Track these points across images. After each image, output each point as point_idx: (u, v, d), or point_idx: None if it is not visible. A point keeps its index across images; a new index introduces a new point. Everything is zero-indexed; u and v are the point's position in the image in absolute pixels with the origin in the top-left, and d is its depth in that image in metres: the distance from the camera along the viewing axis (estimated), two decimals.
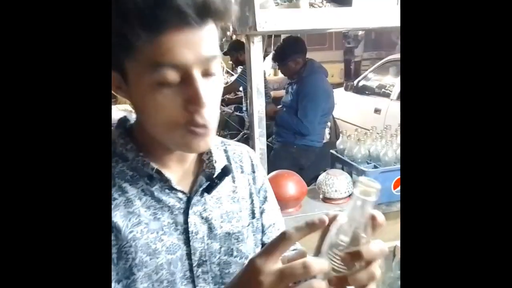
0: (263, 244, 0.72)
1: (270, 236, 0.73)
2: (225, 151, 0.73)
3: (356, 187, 0.45)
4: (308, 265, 0.43)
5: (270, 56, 9.47)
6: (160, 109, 0.53)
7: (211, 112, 0.55)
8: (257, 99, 1.56)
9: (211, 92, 0.55)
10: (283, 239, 0.45)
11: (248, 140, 3.21)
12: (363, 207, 0.44)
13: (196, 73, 0.53)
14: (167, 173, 0.60)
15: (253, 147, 1.56)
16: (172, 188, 0.61)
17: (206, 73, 0.54)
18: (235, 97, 4.18)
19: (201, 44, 0.52)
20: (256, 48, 1.51)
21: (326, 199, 1.84)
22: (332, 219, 0.49)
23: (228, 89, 3.64)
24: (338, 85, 7.51)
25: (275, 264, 0.44)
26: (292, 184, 1.69)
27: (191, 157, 0.65)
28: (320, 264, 0.44)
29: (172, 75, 0.52)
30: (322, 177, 1.86)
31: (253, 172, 0.74)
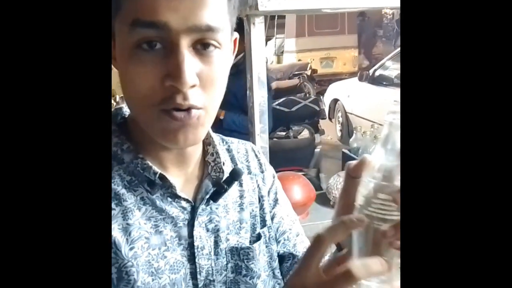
0: (280, 256, 0.70)
1: (287, 245, 0.70)
2: (228, 150, 0.70)
3: (388, 113, 0.45)
4: (356, 271, 0.43)
5: (272, 41, 9.47)
6: (135, 78, 0.50)
7: (201, 95, 0.52)
8: (259, 90, 1.56)
9: (205, 70, 0.51)
10: (316, 245, 0.45)
11: None
12: (398, 131, 0.44)
13: (183, 43, 0.49)
14: (170, 178, 0.58)
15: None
16: (175, 196, 0.59)
17: (201, 45, 0.51)
18: None
19: (195, 8, 0.49)
20: (257, 31, 1.50)
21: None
22: (361, 167, 0.49)
23: None
24: (352, 74, 7.52)
25: (317, 277, 0.45)
26: (298, 188, 1.69)
27: (194, 160, 0.63)
28: (372, 264, 0.43)
29: (150, 36, 0.49)
30: (333, 180, 1.86)
31: (262, 172, 0.72)
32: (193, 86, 0.51)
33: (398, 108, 0.43)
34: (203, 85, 0.52)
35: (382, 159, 0.46)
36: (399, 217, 0.44)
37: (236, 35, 0.61)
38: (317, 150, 3.43)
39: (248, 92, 1.62)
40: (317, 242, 0.45)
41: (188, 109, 0.51)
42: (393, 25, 9.09)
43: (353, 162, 0.51)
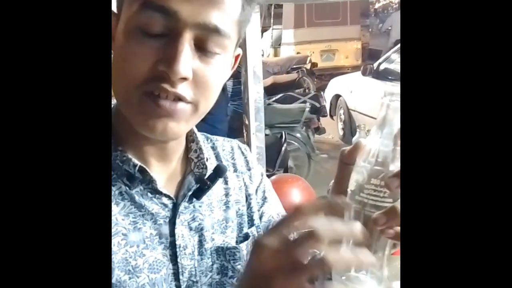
0: None
1: None
2: (213, 148, 0.72)
3: (385, 95, 0.46)
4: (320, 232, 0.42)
5: (269, 32, 9.47)
6: (128, 58, 0.52)
7: (191, 90, 0.54)
8: (254, 85, 1.56)
9: (202, 68, 0.54)
10: (293, 212, 0.45)
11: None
12: (396, 114, 0.45)
13: (187, 36, 0.52)
14: (151, 172, 0.59)
15: (248, 145, 1.55)
16: (155, 192, 0.60)
17: (202, 47, 0.53)
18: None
19: (209, 6, 0.52)
20: (252, 23, 1.50)
21: None
22: (355, 152, 0.50)
23: None
24: (354, 68, 7.54)
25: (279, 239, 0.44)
26: (297, 192, 1.69)
27: (176, 155, 0.64)
28: (350, 227, 0.43)
29: (158, 23, 0.51)
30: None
31: (248, 169, 0.74)
32: (185, 78, 0.52)
33: (395, 89, 0.43)
34: (195, 81, 0.53)
35: (377, 143, 0.47)
36: (392, 204, 0.44)
37: (240, 51, 0.63)
38: (283, 148, 3.48)
39: (242, 87, 1.62)
40: (295, 212, 0.45)
41: (176, 100, 0.53)
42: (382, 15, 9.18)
43: (347, 148, 0.53)
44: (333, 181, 0.56)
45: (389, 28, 8.73)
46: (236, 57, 0.63)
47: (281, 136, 3.48)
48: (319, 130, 4.63)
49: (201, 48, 0.53)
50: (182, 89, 0.53)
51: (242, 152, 0.75)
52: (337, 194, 0.51)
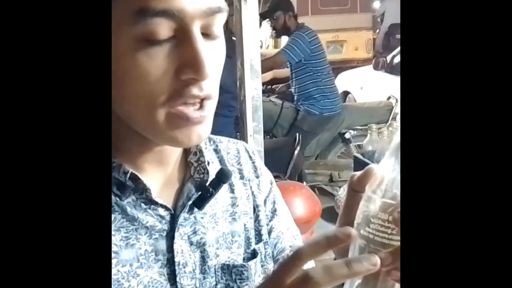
0: None
1: None
2: (216, 150, 0.72)
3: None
4: (314, 275, 0.43)
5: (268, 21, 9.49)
6: (141, 76, 0.51)
7: (211, 84, 0.54)
8: (251, 81, 1.56)
9: (213, 56, 0.54)
10: (293, 260, 0.46)
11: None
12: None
13: (196, 29, 0.52)
14: (145, 180, 0.59)
15: None
16: (150, 202, 0.60)
17: (208, 33, 0.54)
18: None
19: None
20: (249, 8, 1.50)
21: None
22: (365, 179, 0.50)
23: (268, 65, 3.47)
24: (365, 61, 7.54)
25: None
26: (301, 202, 1.69)
27: (174, 158, 0.64)
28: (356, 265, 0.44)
29: (163, 28, 0.50)
30: (343, 191, 1.86)
31: (257, 176, 0.73)
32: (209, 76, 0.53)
33: None
34: (211, 79, 0.54)
35: (389, 172, 0.47)
36: (398, 241, 0.44)
37: None
38: (296, 152, 3.46)
39: (238, 83, 1.62)
40: (295, 258, 0.46)
41: (201, 103, 0.54)
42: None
43: (357, 173, 0.52)
44: (341, 208, 0.56)
45: (383, 13, 8.90)
46: None
47: (295, 139, 3.48)
48: None
49: (207, 35, 0.54)
50: (208, 87, 0.53)
51: (250, 156, 0.74)
52: (343, 224, 0.51)
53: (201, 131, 0.55)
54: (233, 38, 1.68)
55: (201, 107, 0.54)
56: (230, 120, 3.01)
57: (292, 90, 3.75)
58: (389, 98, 3.93)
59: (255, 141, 1.59)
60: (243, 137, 1.61)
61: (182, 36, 0.51)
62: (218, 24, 0.54)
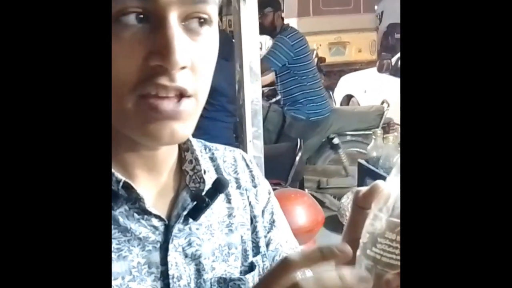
0: None
1: None
2: (212, 158, 0.72)
3: None
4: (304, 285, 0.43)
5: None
6: (111, 59, 0.50)
7: (192, 80, 0.53)
8: (251, 84, 1.56)
9: (197, 50, 0.53)
10: (280, 269, 0.46)
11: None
12: None
13: (173, 16, 0.51)
14: (138, 188, 0.59)
15: None
16: (143, 212, 0.59)
17: (190, 24, 0.53)
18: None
19: None
20: (248, 8, 1.51)
21: None
22: (371, 196, 0.49)
23: None
24: (369, 64, 7.57)
25: None
26: (302, 210, 1.69)
27: (167, 166, 0.63)
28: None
29: (134, 7, 0.50)
30: (346, 199, 1.86)
31: (254, 186, 0.73)
32: (184, 67, 0.52)
33: None
34: (193, 68, 0.53)
35: (397, 189, 0.46)
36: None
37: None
38: (298, 159, 3.45)
39: (237, 86, 1.62)
40: (283, 266, 0.46)
41: (178, 97, 0.52)
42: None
43: (363, 189, 0.52)
44: (345, 224, 0.56)
45: (381, 12, 8.97)
46: None
47: (296, 144, 3.47)
48: None
49: (190, 26, 0.53)
50: (183, 80, 0.52)
51: (247, 165, 0.74)
52: (348, 242, 0.50)
53: (176, 128, 0.53)
54: (233, 40, 1.69)
55: (177, 101, 0.53)
56: (228, 126, 3.02)
57: (278, 95, 3.76)
58: (382, 102, 3.94)
59: (255, 147, 1.59)
60: (242, 142, 1.61)
61: (155, 21, 0.51)
62: (205, 12, 0.53)
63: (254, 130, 1.59)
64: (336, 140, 3.65)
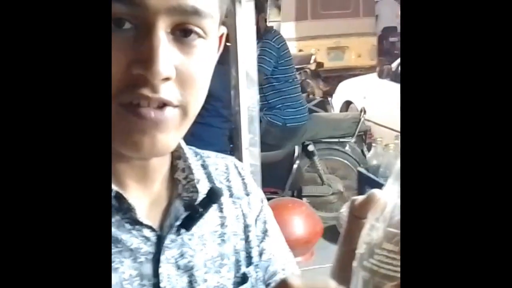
0: None
1: None
2: (204, 166, 0.72)
3: None
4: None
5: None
6: None
7: (176, 91, 0.53)
8: (247, 89, 1.56)
9: (185, 62, 0.54)
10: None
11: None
12: None
13: (161, 25, 0.51)
14: (129, 198, 0.59)
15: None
16: (134, 222, 0.60)
17: (182, 31, 0.53)
18: None
19: None
20: (245, 12, 1.51)
21: None
22: (367, 205, 0.49)
23: None
24: (369, 69, 7.59)
25: None
26: (300, 220, 1.68)
27: (159, 175, 0.64)
28: None
29: (121, 13, 0.50)
30: (345, 209, 1.85)
31: (247, 194, 0.73)
32: (167, 79, 0.51)
33: None
34: (180, 80, 0.53)
35: (394, 198, 0.46)
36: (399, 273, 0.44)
37: (224, 30, 0.63)
38: (296, 166, 3.44)
39: (233, 92, 1.63)
40: (284, 284, 0.46)
41: (161, 106, 0.52)
42: None
43: (359, 198, 0.52)
44: (341, 234, 0.56)
45: (376, 16, 9.05)
46: (220, 37, 0.62)
47: (294, 151, 3.46)
48: None
49: (180, 37, 0.53)
50: (166, 92, 0.52)
51: (239, 173, 0.75)
52: (344, 253, 0.50)
53: (158, 139, 0.53)
54: (227, 43, 1.69)
55: (159, 110, 0.52)
56: (223, 132, 3.02)
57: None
58: (361, 110, 3.95)
59: (251, 154, 1.59)
60: (238, 150, 1.61)
61: (142, 28, 0.51)
62: (197, 25, 0.53)
63: (250, 137, 1.59)
64: (311, 147, 3.64)
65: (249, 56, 1.57)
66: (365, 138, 3.94)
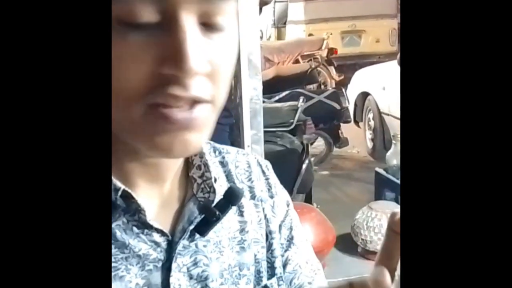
0: None
1: None
2: (223, 163, 0.72)
3: None
4: None
5: (270, 6, 9.51)
6: (116, 65, 0.51)
7: (208, 86, 0.54)
8: (249, 79, 1.56)
9: (215, 53, 0.54)
10: None
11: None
12: None
13: (187, 18, 0.52)
14: (138, 198, 0.59)
15: None
16: (143, 225, 0.60)
17: (209, 24, 0.54)
18: None
19: None
20: None
21: (367, 253, 1.84)
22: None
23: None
24: (389, 56, 7.57)
25: None
26: (310, 228, 1.68)
27: (173, 172, 0.64)
28: None
29: (145, 10, 0.51)
30: (361, 215, 1.85)
31: (271, 196, 0.74)
32: (198, 74, 0.52)
33: None
34: (211, 74, 0.54)
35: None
36: None
37: None
38: (305, 166, 3.43)
39: (233, 81, 1.62)
40: None
41: (191, 105, 0.53)
42: None
43: (399, 212, 0.52)
44: (379, 249, 0.56)
45: None
46: None
47: (303, 149, 3.46)
48: (339, 141, 4.63)
49: (208, 26, 0.54)
50: (198, 88, 0.52)
51: (263, 171, 0.75)
52: (381, 272, 0.50)
53: (189, 139, 0.54)
54: None
55: (190, 109, 0.53)
56: (225, 128, 3.03)
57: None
58: (301, 99, 3.98)
59: (254, 152, 1.59)
60: (239, 147, 1.61)
61: (166, 24, 0.51)
62: (223, 14, 0.54)
63: (253, 133, 1.59)
64: None
65: (252, 41, 1.57)
66: (304, 129, 3.96)
